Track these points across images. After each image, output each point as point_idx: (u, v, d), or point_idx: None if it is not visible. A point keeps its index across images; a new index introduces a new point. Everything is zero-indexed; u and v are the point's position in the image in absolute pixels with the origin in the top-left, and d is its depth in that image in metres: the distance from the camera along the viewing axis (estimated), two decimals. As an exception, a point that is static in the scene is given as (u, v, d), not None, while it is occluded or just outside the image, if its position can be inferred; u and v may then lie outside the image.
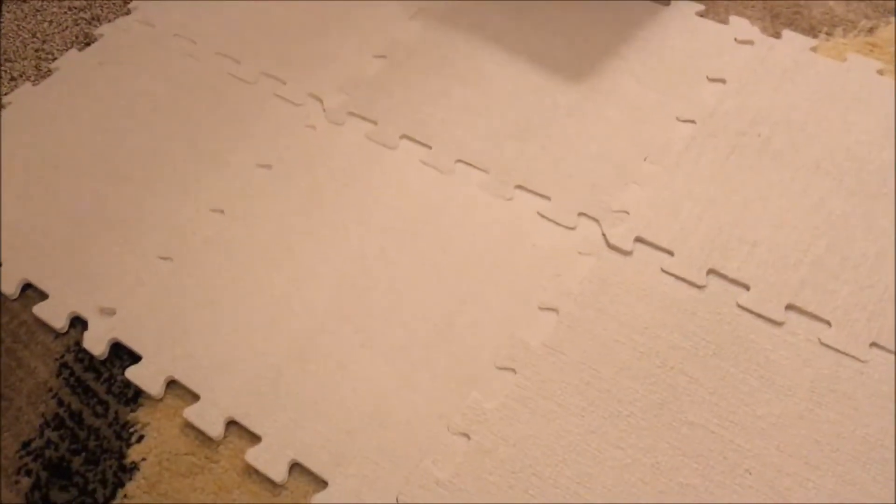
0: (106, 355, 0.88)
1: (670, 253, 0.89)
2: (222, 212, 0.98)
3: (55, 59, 1.19)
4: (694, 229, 0.91)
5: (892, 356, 0.80)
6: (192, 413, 0.82)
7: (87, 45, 1.20)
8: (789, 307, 0.84)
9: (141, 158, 1.04)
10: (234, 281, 0.92)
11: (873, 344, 0.81)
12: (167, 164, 1.04)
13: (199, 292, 0.91)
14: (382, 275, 0.91)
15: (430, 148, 1.02)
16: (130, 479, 0.80)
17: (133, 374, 0.86)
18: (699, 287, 0.86)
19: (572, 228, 0.93)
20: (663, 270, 0.88)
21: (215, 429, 0.81)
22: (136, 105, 1.11)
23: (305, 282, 0.91)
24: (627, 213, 0.93)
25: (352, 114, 1.07)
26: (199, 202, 0.99)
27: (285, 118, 1.07)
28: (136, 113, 1.10)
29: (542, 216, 0.94)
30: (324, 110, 1.07)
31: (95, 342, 0.88)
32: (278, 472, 0.78)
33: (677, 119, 1.01)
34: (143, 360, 0.86)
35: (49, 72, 1.17)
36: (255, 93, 1.10)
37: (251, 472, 0.79)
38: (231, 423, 0.82)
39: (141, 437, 0.82)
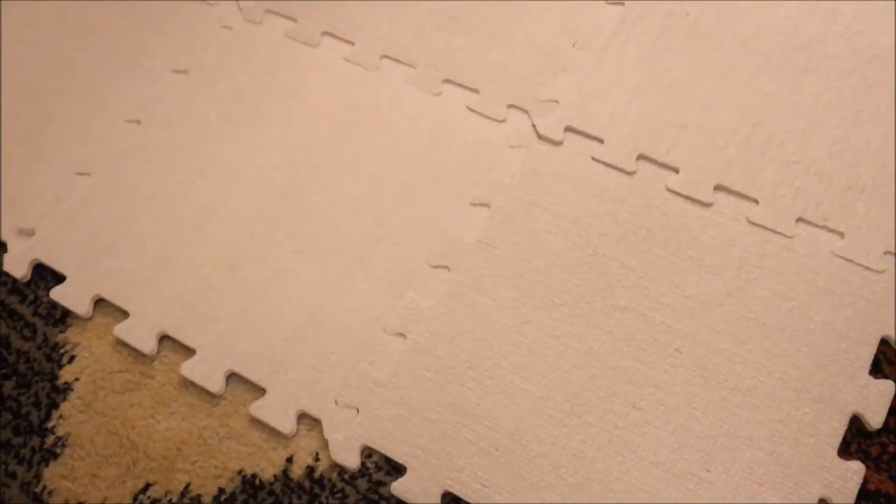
0: (29, 277, 0.86)
1: (600, 141, 0.88)
2: (139, 122, 0.94)
3: (-55, -34, 1.10)
4: (623, 115, 0.89)
5: (818, 230, 0.81)
6: (122, 330, 0.81)
7: (-21, -51, 1.12)
8: (717, 188, 0.84)
9: (49, 70, 0.99)
10: (157, 192, 0.89)
11: (800, 219, 0.82)
12: (77, 75, 0.98)
13: (121, 206, 0.88)
14: (311, 178, 0.89)
15: (353, 44, 0.98)
16: (65, 399, 0.79)
17: (58, 294, 0.83)
18: (629, 173, 0.86)
19: (502, 121, 0.91)
20: (594, 159, 0.87)
21: (148, 344, 0.80)
22: (39, 14, 1.04)
23: (231, 189, 0.89)
24: (557, 102, 0.91)
25: (269, 11, 1.01)
26: (114, 113, 0.95)
27: (199, 19, 1.02)
28: (40, 21, 1.03)
29: (472, 110, 0.92)
30: (239, 9, 1.02)
31: (16, 264, 0.85)
32: (215, 383, 0.78)
33: (606, 1, 0.98)
34: (67, 280, 0.84)
35: (-60, -20, 1.09)
36: (164, -7, 1.04)
37: (188, 384, 0.79)
38: (164, 338, 0.81)
39: (72, 358, 0.81)
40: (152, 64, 0.98)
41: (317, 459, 0.75)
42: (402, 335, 0.79)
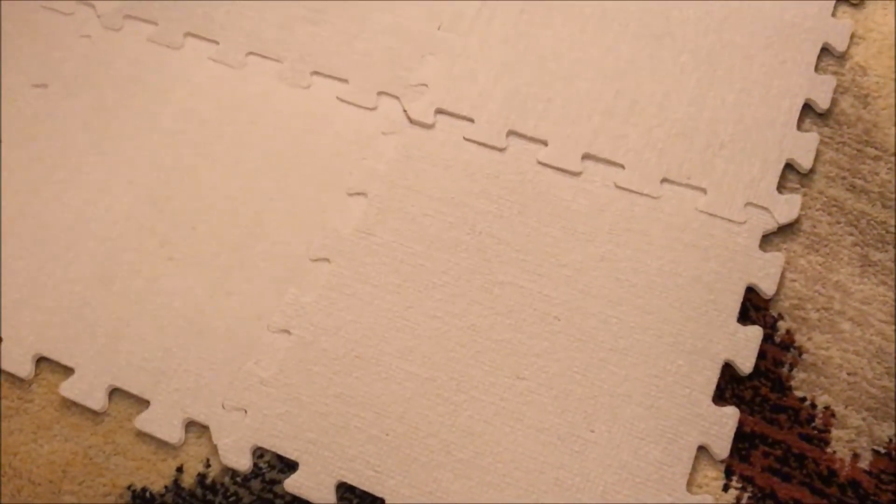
0: None
1: (471, 120, 0.89)
2: (-1, 141, 0.91)
3: None
4: (491, 94, 0.91)
5: (682, 188, 0.84)
6: (-5, 356, 0.79)
7: None
8: (585, 156, 0.86)
9: None
10: (21, 212, 0.86)
11: (664, 179, 0.84)
12: (-72, 98, 0.94)
13: (-15, 230, 0.85)
14: (182, 182, 0.87)
15: (217, 43, 0.96)
16: (-61, 434, 0.76)
17: (-76, 327, 0.80)
18: (500, 150, 0.87)
19: (373, 109, 0.91)
20: (465, 139, 0.88)
21: (23, 368, 0.78)
22: None
23: (100, 201, 0.86)
24: (426, 85, 0.92)
25: (129, 17, 0.99)
26: (-29, 134, 0.92)
27: (56, 30, 0.99)
28: None
29: (342, 100, 0.92)
30: (98, 16, 0.99)
31: None
32: (97, 400, 0.76)
33: (468, -18, 0.99)
34: (-68, 312, 0.81)
35: None
36: (17, 5, 1.00)
37: (69, 404, 0.77)
38: (40, 360, 0.79)
39: (-56, 391, 0.78)
40: (9, 80, 0.95)
41: (208, 466, 0.74)
42: (287, 332, 0.79)
